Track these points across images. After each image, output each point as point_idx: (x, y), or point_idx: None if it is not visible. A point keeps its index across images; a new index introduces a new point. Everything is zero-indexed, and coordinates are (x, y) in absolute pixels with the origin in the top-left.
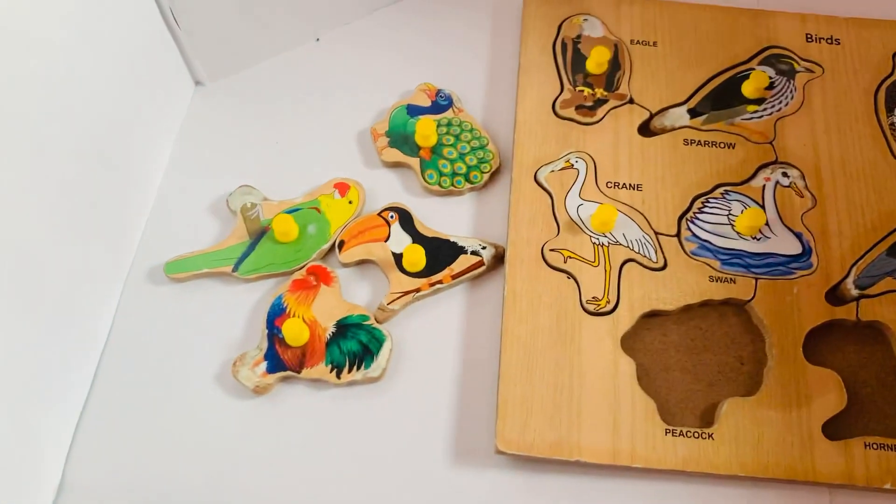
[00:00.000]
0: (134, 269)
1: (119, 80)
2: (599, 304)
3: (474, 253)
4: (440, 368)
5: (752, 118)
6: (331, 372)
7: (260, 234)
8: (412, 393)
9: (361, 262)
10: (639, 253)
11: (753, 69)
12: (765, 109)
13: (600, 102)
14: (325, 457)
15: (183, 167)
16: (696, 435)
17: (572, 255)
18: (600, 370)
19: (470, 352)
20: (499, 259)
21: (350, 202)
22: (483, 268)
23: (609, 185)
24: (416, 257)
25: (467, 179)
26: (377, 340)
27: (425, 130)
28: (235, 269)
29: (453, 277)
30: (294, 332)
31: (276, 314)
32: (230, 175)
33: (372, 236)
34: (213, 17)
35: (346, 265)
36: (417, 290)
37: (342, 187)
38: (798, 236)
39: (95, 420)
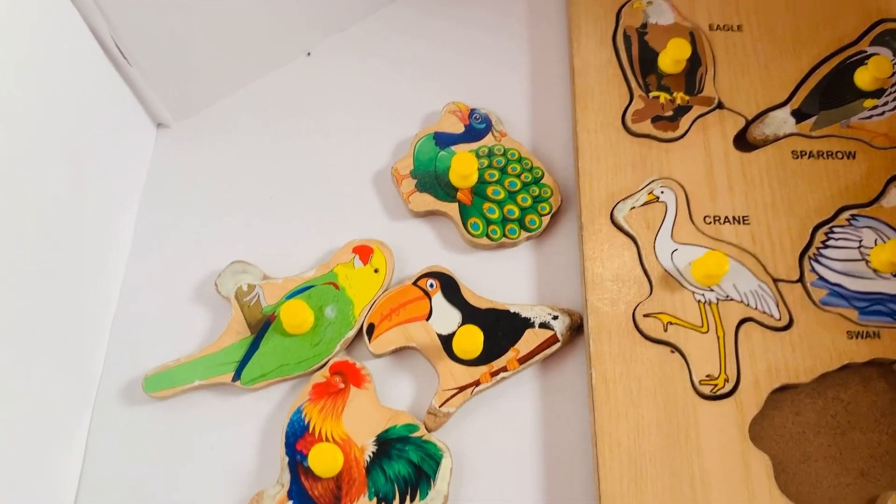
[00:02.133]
0: (103, 390)
1: (60, 137)
2: (717, 384)
3: (544, 326)
4: (517, 487)
5: (871, 116)
6: None
7: (264, 325)
8: None
9: (399, 350)
10: (756, 309)
11: (868, 52)
12: (886, 103)
13: (682, 110)
14: None
15: (152, 240)
16: None
17: (674, 321)
18: (728, 472)
19: (553, 461)
20: (576, 330)
21: (376, 270)
22: (558, 344)
23: (707, 220)
24: (472, 342)
25: (522, 226)
26: (432, 458)
27: (463, 168)
28: (237, 377)
29: (520, 361)
30: (324, 459)
31: (298, 435)
32: (216, 245)
33: (409, 314)
34: (170, 45)
35: (379, 356)
36: (477, 384)
37: (363, 252)
38: None
39: None
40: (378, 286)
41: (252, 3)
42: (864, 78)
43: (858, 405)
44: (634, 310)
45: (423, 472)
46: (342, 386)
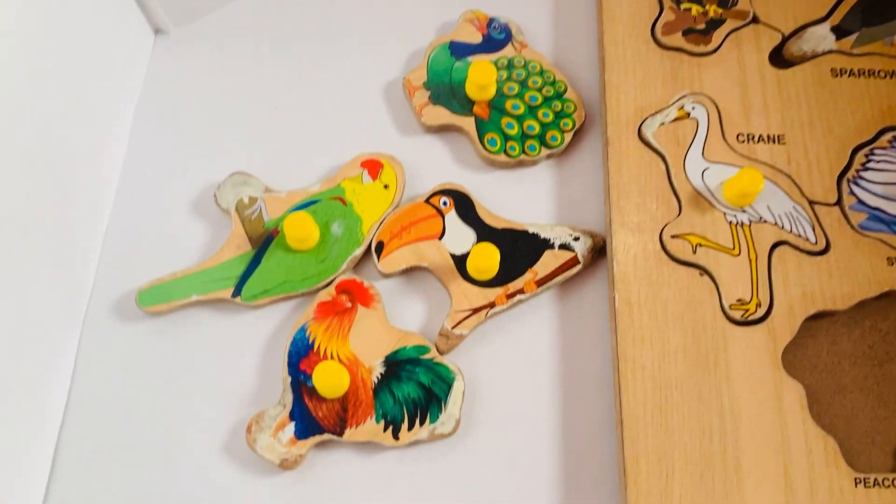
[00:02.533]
0: (94, 304)
1: (55, 41)
2: (748, 309)
3: (564, 247)
4: (533, 414)
5: None
6: (385, 430)
7: (266, 240)
8: (498, 452)
9: (409, 270)
10: (791, 232)
11: None
12: None
13: (715, 24)
14: None
15: (148, 148)
16: None
17: (703, 242)
18: (759, 402)
19: (572, 387)
20: (598, 252)
21: (385, 186)
22: (578, 266)
23: (741, 138)
24: (488, 261)
25: (543, 143)
26: (444, 381)
27: (481, 77)
28: (237, 292)
29: (538, 283)
30: (329, 379)
31: (302, 354)
32: (215, 157)
33: (421, 233)
34: None
35: (388, 275)
36: (491, 306)
37: (373, 166)
38: None
39: None
40: (388, 203)
41: None
42: None
43: None
44: (662, 230)
45: (433, 395)
46: (349, 305)
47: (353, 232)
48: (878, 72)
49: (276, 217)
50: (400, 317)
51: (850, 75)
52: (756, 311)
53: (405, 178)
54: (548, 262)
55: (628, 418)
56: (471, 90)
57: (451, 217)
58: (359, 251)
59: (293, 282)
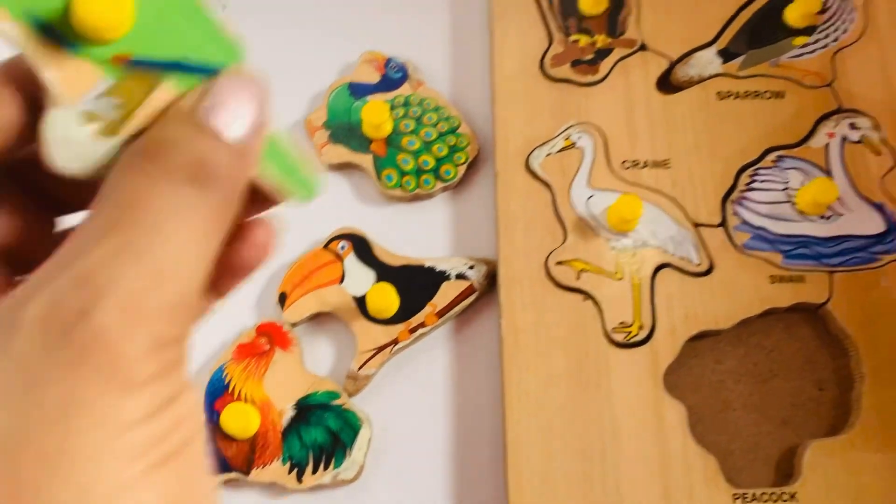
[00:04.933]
0: None
1: None
2: (630, 332)
3: (460, 277)
4: (432, 447)
5: (801, 54)
6: (290, 473)
7: None
8: (401, 495)
9: (315, 317)
10: (675, 255)
11: None
12: (817, 41)
13: (603, 53)
14: None
15: None
16: (775, 497)
17: (587, 268)
18: (640, 422)
19: (466, 414)
20: (492, 278)
21: None
22: (475, 294)
23: (626, 164)
24: (386, 300)
25: (437, 176)
26: (351, 427)
27: (374, 116)
28: None
29: (439, 315)
30: (236, 421)
31: (217, 394)
32: None
33: (322, 279)
34: None
35: (295, 325)
36: (395, 343)
37: None
38: (879, 208)
39: None
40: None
41: None
42: (793, 14)
43: (782, 352)
44: (547, 258)
45: (340, 441)
46: (267, 348)
47: None
48: (764, 92)
49: None
50: (317, 360)
51: (735, 97)
52: (638, 333)
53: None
54: (446, 293)
55: (512, 444)
56: (367, 129)
57: (351, 260)
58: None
59: None
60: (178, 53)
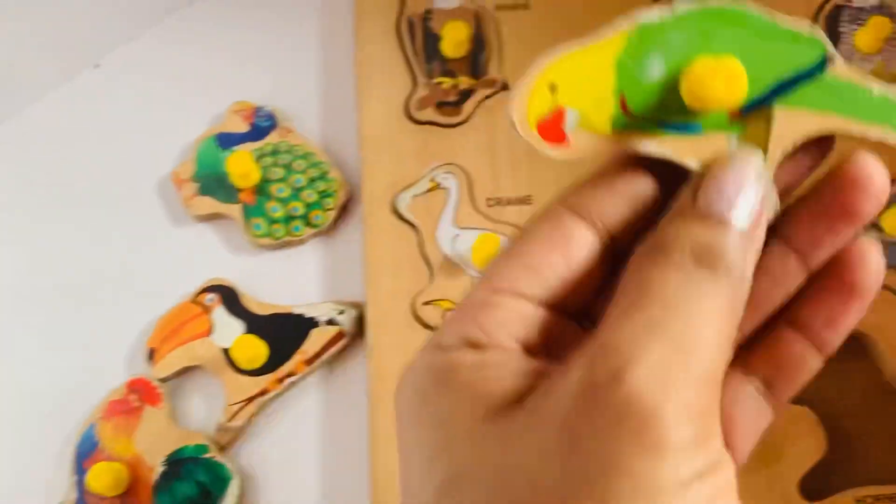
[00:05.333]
0: None
1: None
2: None
3: (330, 322)
4: (305, 495)
5: None
6: None
7: None
8: None
9: (185, 371)
10: None
11: None
12: None
13: (467, 94)
14: None
15: None
16: None
17: (454, 307)
18: None
19: (332, 463)
20: (363, 323)
21: None
22: (344, 339)
23: (490, 202)
24: (251, 351)
25: (307, 222)
26: (221, 480)
27: (239, 166)
28: None
29: (308, 363)
30: (103, 480)
31: (86, 453)
32: None
33: (190, 333)
34: None
35: (164, 380)
36: (264, 393)
37: None
38: None
39: None
40: None
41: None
42: None
43: None
44: (414, 299)
45: (210, 494)
46: (137, 404)
47: None
48: None
49: None
50: (189, 414)
51: None
52: None
53: None
54: (315, 340)
55: (380, 487)
56: (234, 179)
57: (219, 312)
58: None
59: None
60: (772, 76)
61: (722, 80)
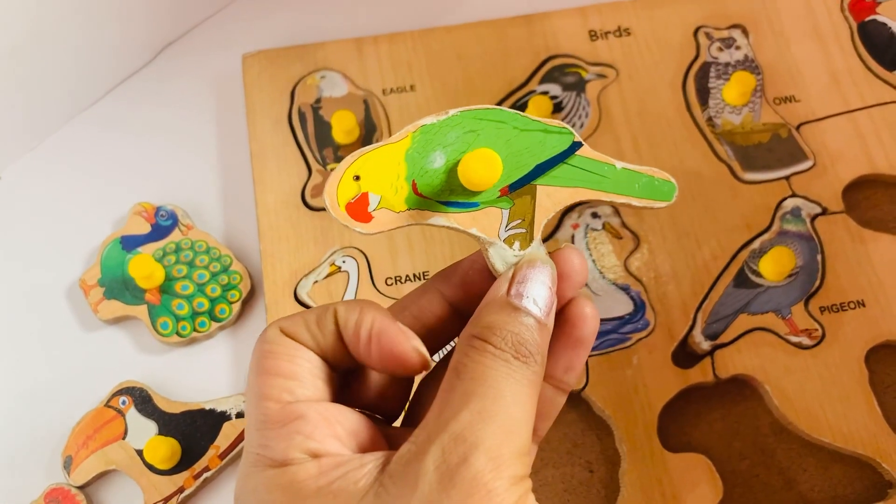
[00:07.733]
0: None
1: None
2: None
3: (241, 415)
4: None
5: None
6: None
7: None
8: None
9: (103, 475)
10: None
11: (536, 90)
12: None
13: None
14: None
15: None
16: None
17: None
18: None
19: None
20: None
21: None
22: None
23: (389, 281)
24: (165, 451)
25: (213, 317)
26: None
27: (141, 270)
28: None
29: (221, 457)
30: None
31: None
32: None
33: (105, 438)
34: None
35: (83, 486)
36: (180, 491)
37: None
38: (625, 290)
39: None
40: None
41: None
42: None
43: (550, 440)
44: None
45: None
46: None
47: None
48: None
49: None
50: None
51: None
52: None
53: None
54: (228, 433)
55: None
56: (138, 281)
57: (132, 414)
58: None
59: None
60: (532, 160)
61: (483, 166)
